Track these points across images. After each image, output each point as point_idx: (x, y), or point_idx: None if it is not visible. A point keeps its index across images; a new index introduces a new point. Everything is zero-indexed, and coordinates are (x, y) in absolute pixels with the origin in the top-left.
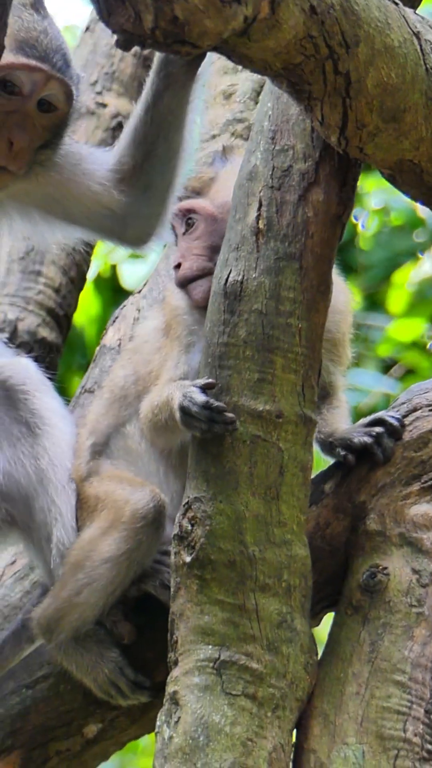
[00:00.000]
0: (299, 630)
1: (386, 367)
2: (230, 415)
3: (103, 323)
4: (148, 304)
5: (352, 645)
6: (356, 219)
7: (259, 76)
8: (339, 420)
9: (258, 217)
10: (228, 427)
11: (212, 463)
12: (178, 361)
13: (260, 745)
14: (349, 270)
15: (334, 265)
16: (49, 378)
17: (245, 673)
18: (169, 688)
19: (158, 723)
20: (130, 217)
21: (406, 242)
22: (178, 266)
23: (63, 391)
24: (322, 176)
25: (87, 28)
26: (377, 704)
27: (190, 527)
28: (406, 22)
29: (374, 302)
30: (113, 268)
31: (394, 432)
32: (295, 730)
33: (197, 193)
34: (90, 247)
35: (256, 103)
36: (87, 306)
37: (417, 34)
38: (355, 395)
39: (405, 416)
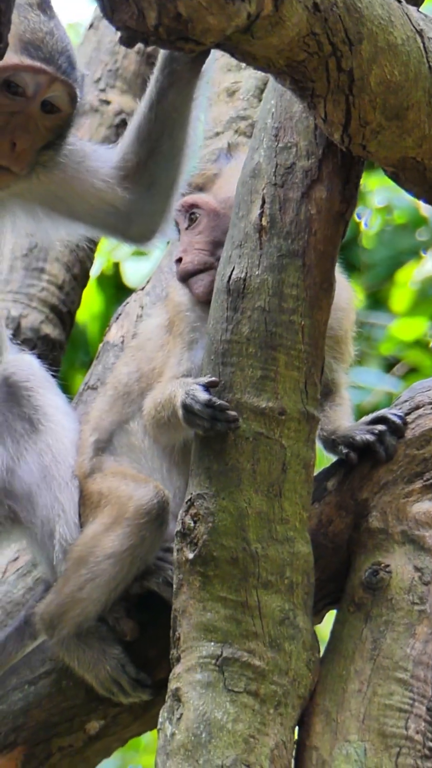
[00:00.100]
0: (301, 627)
1: (389, 365)
2: (233, 413)
3: (106, 320)
4: (151, 301)
5: (355, 642)
6: (359, 217)
7: (263, 74)
8: (342, 417)
9: (261, 214)
10: (230, 425)
11: (215, 460)
12: (181, 358)
13: (262, 742)
14: (351, 268)
15: (337, 263)
16: (52, 375)
17: (247, 670)
18: (172, 685)
19: (160, 720)
20: (133, 214)
21: (409, 241)
22: (179, 260)
23: (66, 388)
24: (325, 173)
25: (91, 26)
26: (379, 702)
27: (192, 524)
28: (409, 19)
29: (377, 300)
30: (116, 265)
31: (397, 430)
32: (297, 727)
33: (201, 189)
34: (93, 244)
35: (260, 100)
36: (90, 303)
37: (420, 32)
38: (357, 393)
39: (407, 414)
